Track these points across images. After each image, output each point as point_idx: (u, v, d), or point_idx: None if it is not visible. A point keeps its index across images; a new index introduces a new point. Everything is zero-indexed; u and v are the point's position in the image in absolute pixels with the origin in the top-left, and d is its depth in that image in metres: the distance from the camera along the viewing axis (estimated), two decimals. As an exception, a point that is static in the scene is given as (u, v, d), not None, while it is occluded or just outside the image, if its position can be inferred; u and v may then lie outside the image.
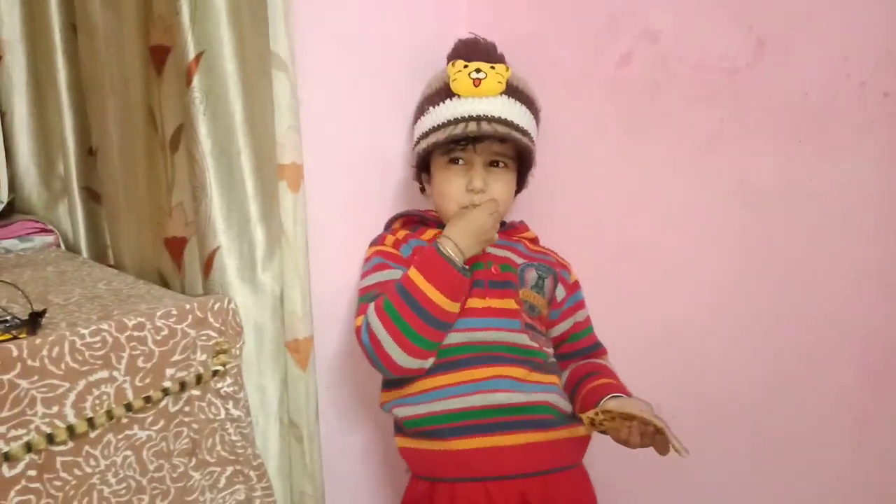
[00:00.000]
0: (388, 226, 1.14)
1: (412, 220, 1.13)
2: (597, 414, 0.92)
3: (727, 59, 0.99)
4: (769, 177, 0.99)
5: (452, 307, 0.97)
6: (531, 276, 1.06)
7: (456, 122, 1.02)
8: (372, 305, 0.97)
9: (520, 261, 1.07)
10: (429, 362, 0.98)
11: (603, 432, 0.94)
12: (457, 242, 0.97)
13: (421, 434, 1.01)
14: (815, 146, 0.94)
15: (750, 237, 1.02)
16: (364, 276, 1.05)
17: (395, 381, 1.03)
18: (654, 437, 0.89)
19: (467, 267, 0.99)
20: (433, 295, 0.95)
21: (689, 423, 1.13)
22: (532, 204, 1.18)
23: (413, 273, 0.96)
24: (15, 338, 0.66)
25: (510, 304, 1.02)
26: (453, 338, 0.99)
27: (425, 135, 1.06)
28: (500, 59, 1.08)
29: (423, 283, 0.95)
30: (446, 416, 0.98)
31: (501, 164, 1.06)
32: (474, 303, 1.01)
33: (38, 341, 0.66)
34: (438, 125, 1.04)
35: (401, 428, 1.04)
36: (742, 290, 1.05)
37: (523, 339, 1.01)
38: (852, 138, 0.91)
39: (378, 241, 1.10)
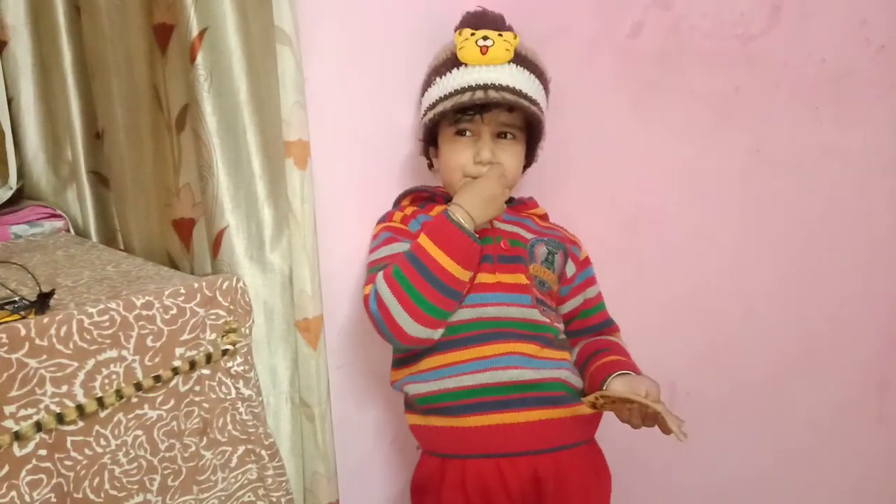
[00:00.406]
0: (397, 203, 1.13)
1: (421, 197, 1.11)
2: (597, 398, 0.92)
3: (741, 26, 0.97)
4: (786, 145, 0.97)
5: (464, 275, 0.95)
6: (541, 251, 1.05)
7: (462, 90, 1.00)
8: (381, 273, 0.95)
9: (529, 236, 1.05)
10: (438, 333, 0.96)
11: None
12: (467, 210, 0.95)
13: (432, 411, 1.00)
14: (833, 112, 0.92)
15: (767, 205, 1.01)
16: (372, 251, 1.04)
17: (406, 358, 1.02)
18: (656, 418, 0.88)
19: (478, 235, 0.97)
20: (444, 262, 0.93)
21: (709, 394, 1.13)
22: (544, 176, 1.16)
23: (423, 240, 0.94)
24: (23, 318, 0.65)
25: (520, 279, 1.01)
26: (465, 314, 0.98)
27: (432, 106, 1.04)
28: (508, 28, 1.06)
29: (434, 250, 0.93)
30: (458, 393, 0.97)
31: (510, 136, 1.04)
32: (484, 278, 1.00)
33: (45, 320, 0.65)
34: (445, 95, 1.02)
35: (412, 405, 1.04)
36: (760, 259, 1.03)
37: (534, 314, 1.00)
38: (871, 103, 0.89)
39: (386, 217, 1.08)
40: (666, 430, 0.88)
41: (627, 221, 1.16)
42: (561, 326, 1.06)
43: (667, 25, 1.05)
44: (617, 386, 0.94)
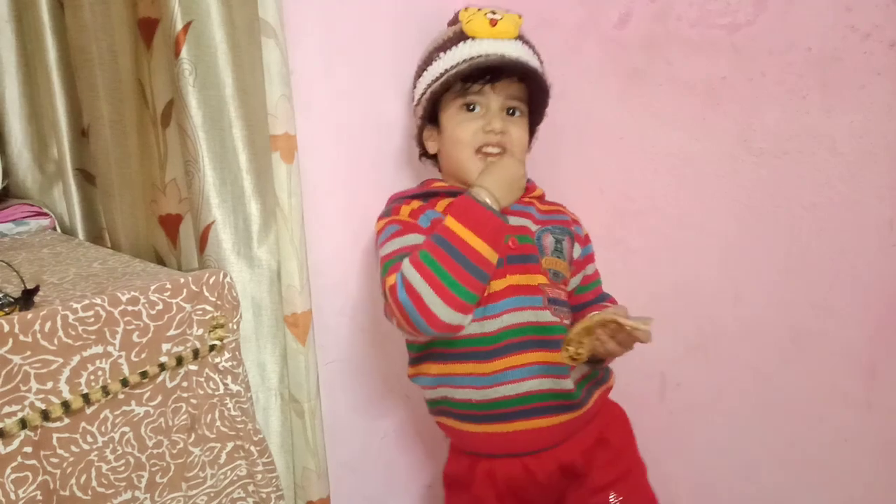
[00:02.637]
0: (392, 202, 1.09)
1: (421, 195, 1.06)
2: (566, 349, 0.91)
3: (727, 15, 0.97)
4: (773, 133, 0.97)
5: (493, 256, 0.92)
6: (549, 241, 1.02)
7: (473, 59, 0.97)
8: (406, 260, 0.91)
9: (534, 227, 1.02)
10: (468, 318, 0.93)
11: (592, 362, 0.94)
12: (491, 191, 0.93)
13: (457, 416, 1.00)
14: (820, 100, 0.92)
15: (756, 194, 1.01)
16: (382, 244, 0.98)
17: (423, 356, 1.01)
18: (627, 335, 0.88)
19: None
20: (475, 242, 0.89)
21: (698, 383, 1.13)
22: (532, 166, 1.15)
23: (451, 222, 0.91)
24: (7, 314, 0.65)
25: (532, 279, 0.98)
26: (485, 326, 0.96)
27: (437, 78, 1.01)
28: None
29: (463, 231, 0.90)
30: (482, 405, 0.97)
31: (518, 112, 1.03)
32: (495, 284, 0.97)
33: (29, 316, 0.65)
34: (454, 65, 0.99)
35: (436, 406, 1.04)
36: (749, 248, 1.04)
37: (546, 315, 0.97)
38: (857, 91, 0.89)
39: (390, 212, 1.03)
40: (644, 338, 0.87)
41: (615, 211, 1.16)
42: (570, 321, 1.03)
43: (653, 15, 1.05)
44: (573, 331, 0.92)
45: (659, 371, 1.17)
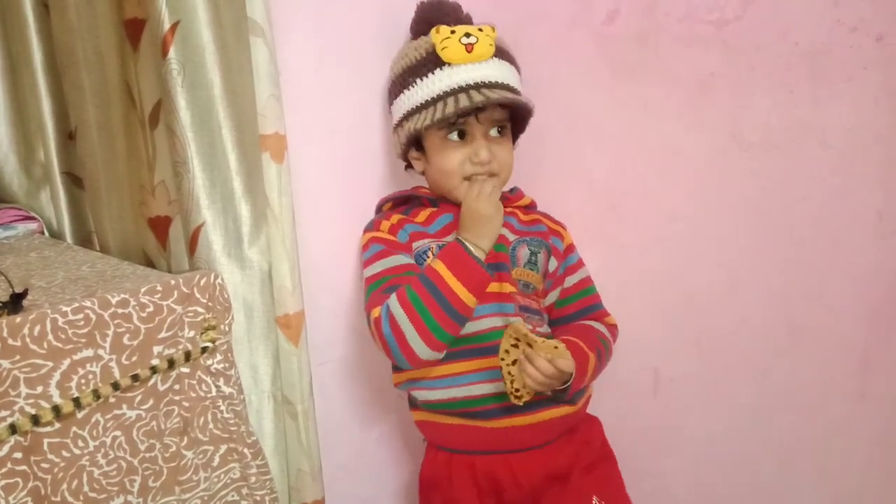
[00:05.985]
0: (379, 209, 1.11)
1: (402, 200, 1.09)
2: (511, 393, 0.94)
3: (715, 11, 0.98)
4: (763, 127, 0.98)
5: (473, 303, 0.96)
6: (523, 253, 1.04)
7: (454, 92, 0.98)
8: (393, 295, 0.95)
9: (512, 237, 1.04)
10: (441, 356, 0.97)
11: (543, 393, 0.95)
12: (478, 244, 0.96)
13: (443, 413, 1.01)
14: (808, 94, 0.93)
15: (747, 187, 1.01)
16: (367, 264, 1.02)
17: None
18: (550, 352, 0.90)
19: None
20: (460, 291, 0.93)
21: (692, 377, 1.13)
22: (522, 163, 1.15)
23: (440, 267, 0.95)
24: (-5, 319, 0.64)
25: (504, 287, 1.00)
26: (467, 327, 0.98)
27: (418, 109, 1.01)
28: (469, 19, 1.05)
29: (451, 279, 0.94)
30: (466, 402, 0.98)
31: (501, 131, 1.03)
32: None
33: (18, 320, 0.64)
34: (434, 97, 0.99)
35: (417, 405, 1.04)
36: (742, 241, 1.04)
37: (518, 322, 0.98)
38: (844, 85, 0.90)
39: (373, 226, 1.06)
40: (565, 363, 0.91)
41: (606, 206, 1.16)
42: (543, 330, 1.04)
43: (641, 10, 1.05)
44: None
45: (652, 366, 1.17)
